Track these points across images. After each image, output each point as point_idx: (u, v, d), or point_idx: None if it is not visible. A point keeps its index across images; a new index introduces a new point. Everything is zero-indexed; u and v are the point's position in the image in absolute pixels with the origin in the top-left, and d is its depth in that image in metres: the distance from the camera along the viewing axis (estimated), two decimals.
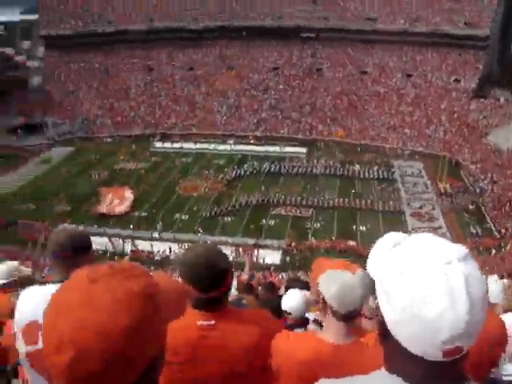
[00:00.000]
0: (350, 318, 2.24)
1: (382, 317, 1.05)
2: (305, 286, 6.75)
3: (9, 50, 70.79)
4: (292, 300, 4.26)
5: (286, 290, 5.29)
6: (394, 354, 1.05)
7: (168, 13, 69.88)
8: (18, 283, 4.30)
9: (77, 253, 2.40)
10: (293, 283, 6.75)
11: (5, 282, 4.32)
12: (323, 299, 2.30)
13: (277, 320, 2.66)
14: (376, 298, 1.10)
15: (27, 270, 7.26)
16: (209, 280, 2.12)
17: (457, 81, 60.10)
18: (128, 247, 34.97)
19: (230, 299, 2.90)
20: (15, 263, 5.34)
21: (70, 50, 69.24)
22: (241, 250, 32.74)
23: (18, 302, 2.36)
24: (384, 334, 1.06)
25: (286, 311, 4.26)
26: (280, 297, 5.12)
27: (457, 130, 54.00)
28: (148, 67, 68.66)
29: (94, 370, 0.87)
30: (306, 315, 4.27)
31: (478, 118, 54.62)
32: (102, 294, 0.91)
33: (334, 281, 2.26)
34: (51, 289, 2.21)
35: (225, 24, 68.42)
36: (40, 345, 2.15)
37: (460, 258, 0.99)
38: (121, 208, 40.84)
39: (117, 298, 0.91)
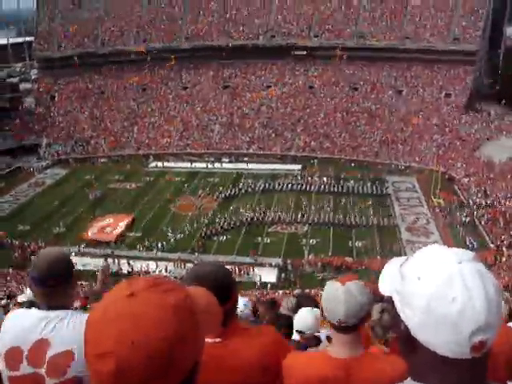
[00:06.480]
0: (345, 329, 2.21)
1: (406, 328, 1.10)
2: (314, 302, 6.63)
3: (2, 73, 70.83)
4: (304, 319, 4.23)
5: (297, 306, 5.21)
6: (422, 363, 1.10)
7: (161, 33, 70.55)
8: None
9: (54, 280, 2.33)
10: (302, 299, 6.69)
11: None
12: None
13: (281, 335, 2.62)
14: (393, 314, 1.15)
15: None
16: (216, 296, 2.15)
17: (447, 95, 60.69)
18: (124, 267, 34.80)
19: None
20: None
21: (63, 72, 69.47)
22: (237, 268, 32.62)
23: (3, 324, 2.32)
24: (409, 345, 1.11)
25: (299, 330, 4.22)
26: (285, 315, 5.08)
27: (449, 144, 54.41)
28: (141, 87, 68.91)
29: (135, 380, 0.92)
30: (319, 334, 4.20)
31: (469, 132, 55.09)
32: (141, 308, 0.96)
33: (324, 292, 2.28)
34: (35, 314, 2.23)
35: (218, 43, 68.92)
36: (21, 371, 2.11)
37: (469, 259, 1.08)
38: (109, 236, 39.82)
39: (155, 312, 0.96)
